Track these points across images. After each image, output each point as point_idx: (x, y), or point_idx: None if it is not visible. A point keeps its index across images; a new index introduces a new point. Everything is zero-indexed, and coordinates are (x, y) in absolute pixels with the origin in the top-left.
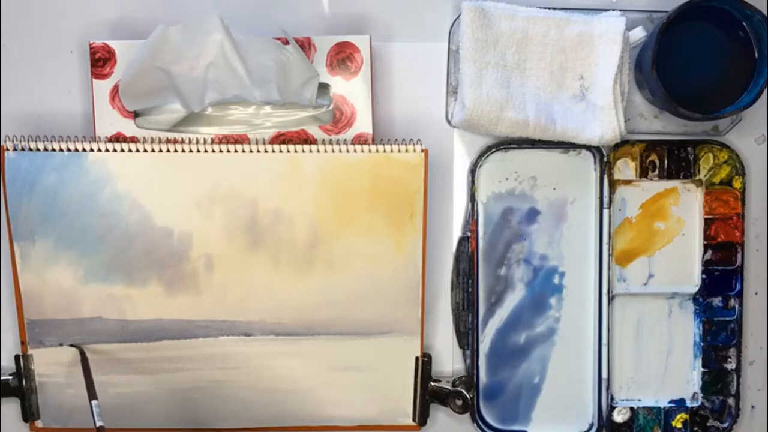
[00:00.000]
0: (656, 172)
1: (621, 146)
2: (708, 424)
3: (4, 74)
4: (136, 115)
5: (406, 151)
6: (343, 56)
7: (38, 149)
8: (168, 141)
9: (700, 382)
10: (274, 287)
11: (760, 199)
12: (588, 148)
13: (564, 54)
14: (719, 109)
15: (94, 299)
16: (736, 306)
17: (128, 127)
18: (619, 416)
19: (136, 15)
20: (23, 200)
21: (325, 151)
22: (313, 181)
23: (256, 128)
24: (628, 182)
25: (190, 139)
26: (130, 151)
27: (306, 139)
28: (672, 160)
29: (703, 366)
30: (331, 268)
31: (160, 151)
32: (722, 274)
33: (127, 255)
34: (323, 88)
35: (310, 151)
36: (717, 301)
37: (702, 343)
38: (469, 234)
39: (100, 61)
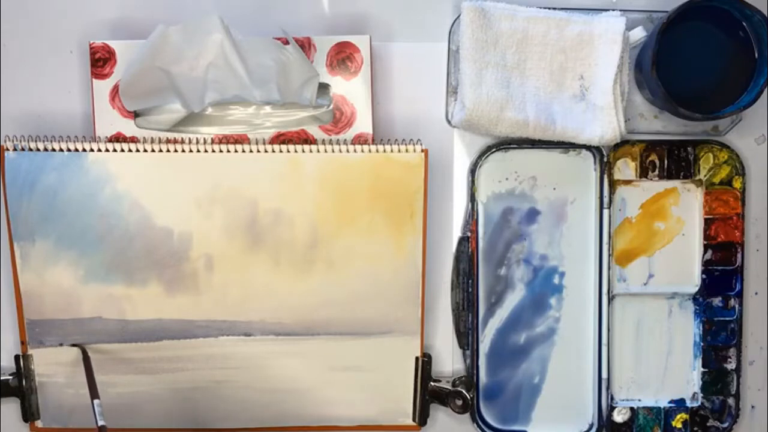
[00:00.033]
0: (656, 172)
1: (621, 146)
2: (708, 424)
3: (4, 74)
4: (136, 115)
5: (406, 151)
6: (343, 56)
7: (38, 149)
8: (168, 141)
9: (700, 382)
10: (274, 287)
11: (760, 199)
12: (588, 148)
13: (564, 54)
14: (719, 109)
15: (94, 299)
16: (736, 306)
17: (128, 127)
18: (619, 416)
19: (136, 15)
20: (23, 200)
21: (325, 151)
22: (313, 181)
23: (256, 128)
24: (628, 182)
25: (190, 139)
26: (130, 151)
27: (306, 139)
28: (672, 160)
29: (703, 366)
30: (331, 268)
31: (160, 151)
32: (722, 274)
33: (127, 255)
34: (323, 88)
35: (310, 151)
36: (717, 301)
37: (702, 343)
38: (469, 234)
39: (100, 61)
